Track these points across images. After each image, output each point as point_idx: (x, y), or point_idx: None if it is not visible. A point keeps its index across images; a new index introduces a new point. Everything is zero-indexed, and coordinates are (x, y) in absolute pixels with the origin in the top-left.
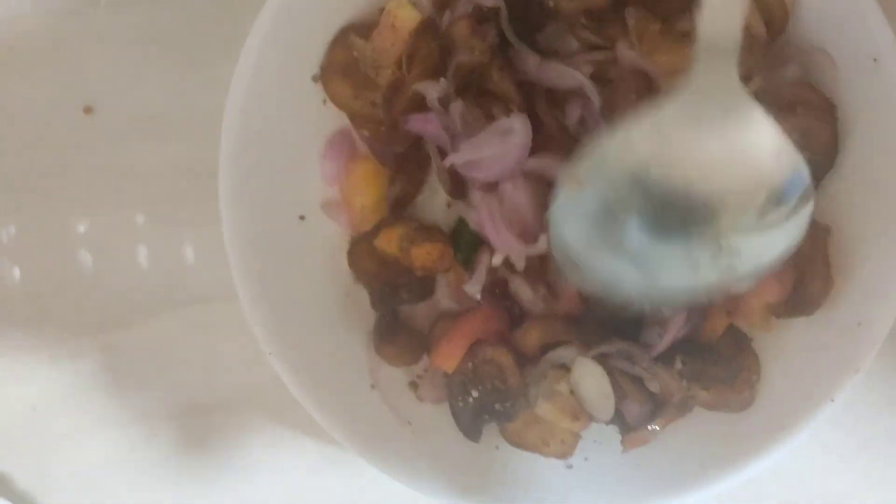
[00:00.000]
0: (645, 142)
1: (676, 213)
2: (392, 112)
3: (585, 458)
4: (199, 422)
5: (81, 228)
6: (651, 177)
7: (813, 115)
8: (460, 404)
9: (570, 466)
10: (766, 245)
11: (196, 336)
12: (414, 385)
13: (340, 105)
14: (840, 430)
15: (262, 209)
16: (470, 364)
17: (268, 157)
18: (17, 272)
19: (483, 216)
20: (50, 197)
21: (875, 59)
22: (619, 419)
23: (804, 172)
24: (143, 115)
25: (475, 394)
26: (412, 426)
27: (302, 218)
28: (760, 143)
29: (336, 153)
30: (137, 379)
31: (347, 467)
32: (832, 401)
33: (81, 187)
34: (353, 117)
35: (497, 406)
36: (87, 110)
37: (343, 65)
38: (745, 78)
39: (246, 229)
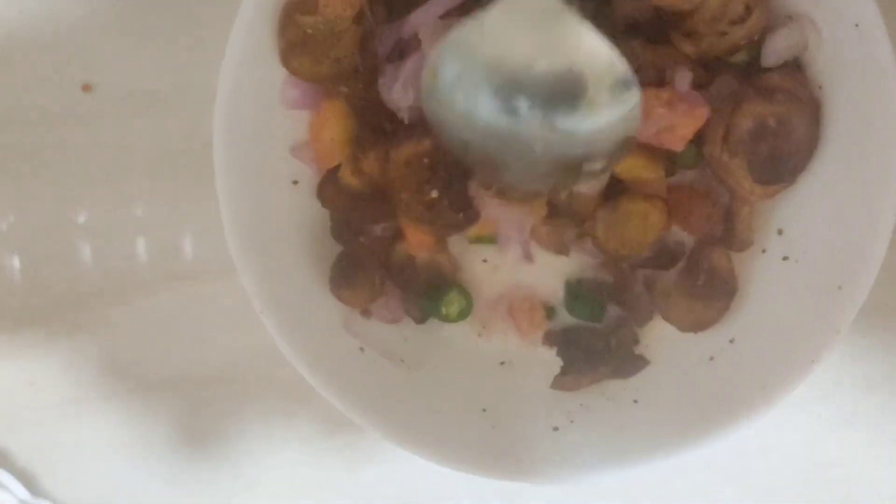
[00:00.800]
0: (478, 38)
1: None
2: (370, 59)
3: (571, 421)
4: (196, 393)
5: (80, 204)
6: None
7: (793, 106)
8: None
9: (556, 429)
10: (597, 128)
11: (193, 310)
12: (367, 312)
13: (308, 77)
14: (830, 405)
15: (257, 175)
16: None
17: (261, 124)
18: (14, 249)
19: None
20: (49, 175)
21: (857, 25)
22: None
23: (622, 68)
24: (142, 91)
25: None
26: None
27: (295, 183)
28: (577, 42)
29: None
30: (135, 352)
31: (342, 437)
32: (813, 361)
33: (80, 165)
34: (324, 82)
35: None
36: (86, 87)
37: (299, 42)
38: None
39: (241, 195)
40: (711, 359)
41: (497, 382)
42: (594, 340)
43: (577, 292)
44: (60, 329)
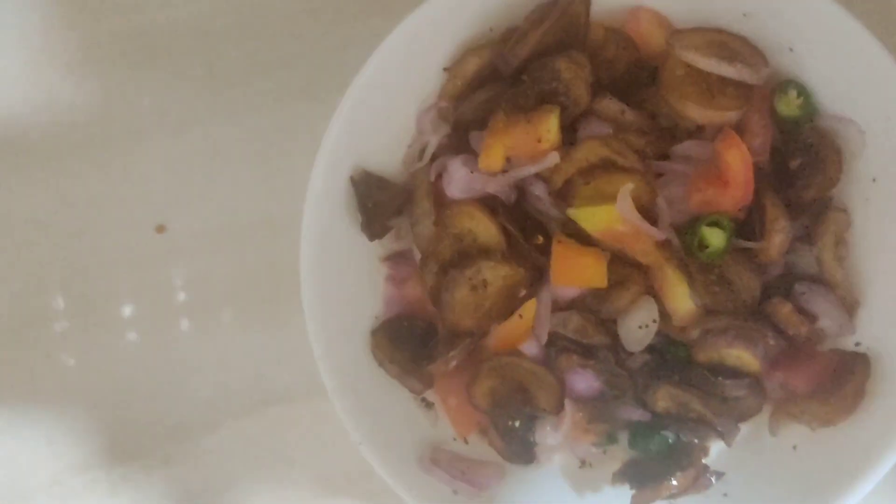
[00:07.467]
0: None
1: None
2: None
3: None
4: None
5: (165, 338)
6: None
7: None
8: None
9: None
10: None
11: (280, 433)
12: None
13: None
14: None
15: (341, 310)
16: None
17: (343, 264)
18: (107, 388)
19: None
20: (129, 315)
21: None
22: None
23: None
24: (214, 228)
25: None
26: None
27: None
28: None
29: None
30: (226, 477)
31: None
32: None
33: (159, 302)
34: None
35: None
36: (160, 229)
37: None
38: None
39: (328, 327)
40: (794, 447)
41: None
42: (659, 468)
43: (637, 430)
44: (154, 462)
